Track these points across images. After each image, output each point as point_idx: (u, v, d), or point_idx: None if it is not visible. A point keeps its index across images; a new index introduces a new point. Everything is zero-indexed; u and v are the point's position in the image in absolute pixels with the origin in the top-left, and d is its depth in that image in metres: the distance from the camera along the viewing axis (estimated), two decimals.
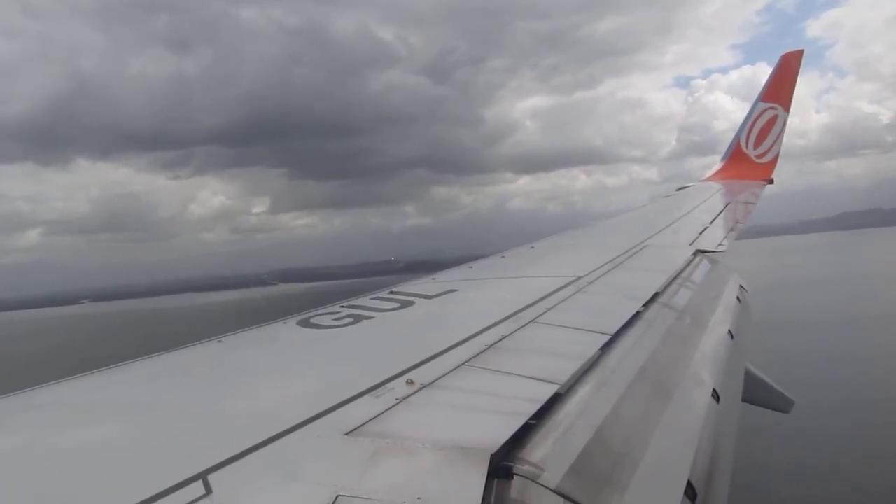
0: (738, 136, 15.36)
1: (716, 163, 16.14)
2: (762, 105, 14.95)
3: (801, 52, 15.23)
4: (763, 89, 15.14)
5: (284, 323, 4.46)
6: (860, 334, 40.81)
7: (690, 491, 2.67)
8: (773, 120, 14.84)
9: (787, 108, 14.77)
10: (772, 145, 14.91)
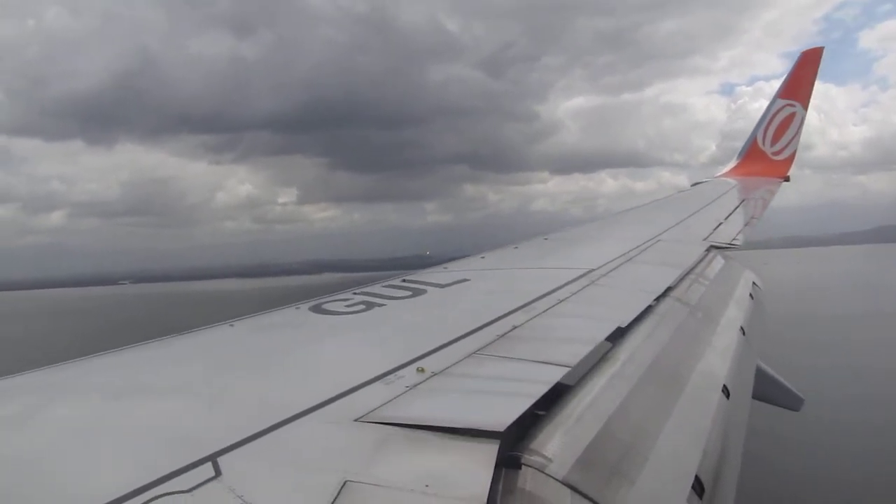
0: (754, 133, 15.16)
1: None
2: (780, 102, 14.74)
3: (820, 49, 14.99)
4: (781, 86, 14.92)
5: (297, 308, 4.47)
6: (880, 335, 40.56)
7: (698, 486, 2.66)
8: (790, 117, 14.63)
9: (805, 105, 14.56)
10: (789, 143, 14.71)
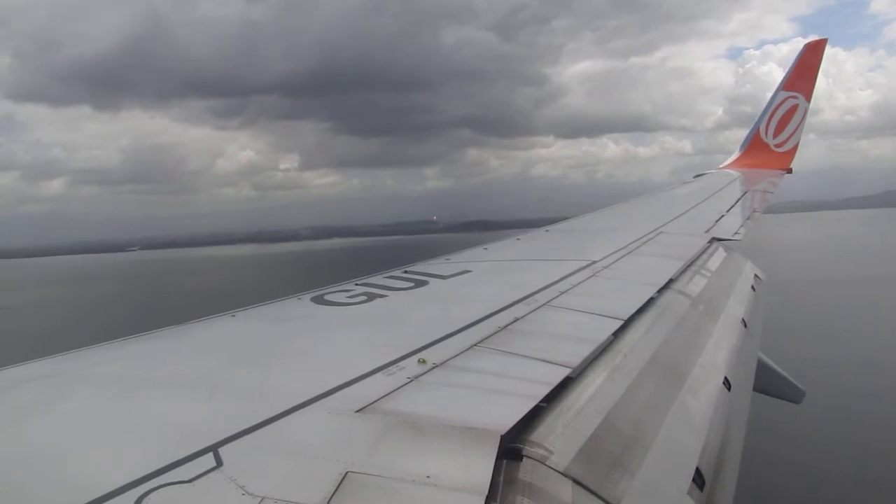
0: (757, 125, 15.13)
1: None
2: (783, 94, 14.69)
3: (824, 41, 14.93)
4: (784, 78, 14.87)
5: (299, 299, 4.47)
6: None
7: (699, 478, 2.67)
8: (793, 109, 14.59)
9: (808, 97, 14.51)
10: (791, 134, 14.68)
